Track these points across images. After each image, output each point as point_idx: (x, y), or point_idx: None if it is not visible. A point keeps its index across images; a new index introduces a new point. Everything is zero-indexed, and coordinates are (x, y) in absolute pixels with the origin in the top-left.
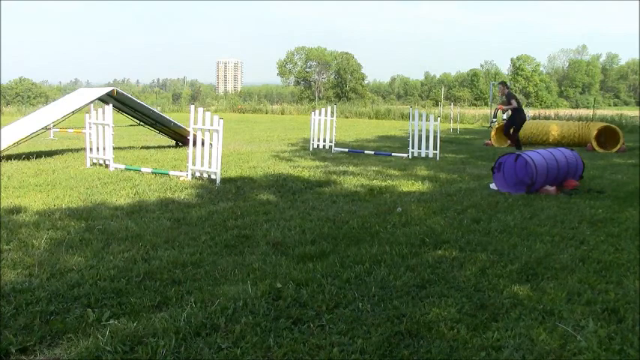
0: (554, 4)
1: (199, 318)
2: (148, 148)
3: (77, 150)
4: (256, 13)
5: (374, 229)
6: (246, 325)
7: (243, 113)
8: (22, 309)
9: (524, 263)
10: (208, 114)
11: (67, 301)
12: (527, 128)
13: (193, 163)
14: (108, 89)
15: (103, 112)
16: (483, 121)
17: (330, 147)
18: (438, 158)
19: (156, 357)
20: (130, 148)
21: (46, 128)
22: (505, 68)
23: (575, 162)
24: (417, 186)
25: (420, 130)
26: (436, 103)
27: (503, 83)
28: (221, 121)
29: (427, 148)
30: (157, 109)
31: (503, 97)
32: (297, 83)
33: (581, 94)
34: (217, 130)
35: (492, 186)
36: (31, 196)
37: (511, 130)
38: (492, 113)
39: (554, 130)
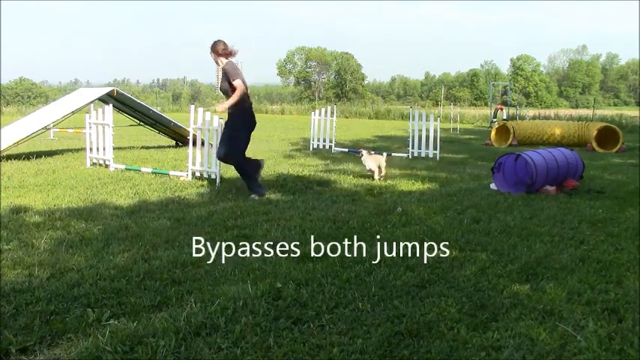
0: (554, 4)
1: (199, 318)
2: (148, 148)
3: (77, 150)
4: (256, 13)
5: (374, 229)
6: (246, 325)
7: None
8: (22, 309)
9: (524, 263)
10: (208, 114)
11: (67, 301)
12: (528, 128)
13: (193, 163)
14: (108, 89)
15: (103, 112)
16: (483, 121)
17: (330, 147)
18: (438, 158)
19: (156, 357)
20: (130, 148)
21: (46, 128)
22: (505, 68)
23: (575, 162)
24: (417, 186)
25: (420, 130)
26: (436, 103)
27: (221, 42)
28: (221, 121)
29: (427, 148)
30: (157, 109)
31: (226, 74)
32: (297, 83)
33: (581, 94)
34: (217, 130)
35: (492, 186)
36: (31, 196)
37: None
38: (492, 113)
39: (557, 132)
